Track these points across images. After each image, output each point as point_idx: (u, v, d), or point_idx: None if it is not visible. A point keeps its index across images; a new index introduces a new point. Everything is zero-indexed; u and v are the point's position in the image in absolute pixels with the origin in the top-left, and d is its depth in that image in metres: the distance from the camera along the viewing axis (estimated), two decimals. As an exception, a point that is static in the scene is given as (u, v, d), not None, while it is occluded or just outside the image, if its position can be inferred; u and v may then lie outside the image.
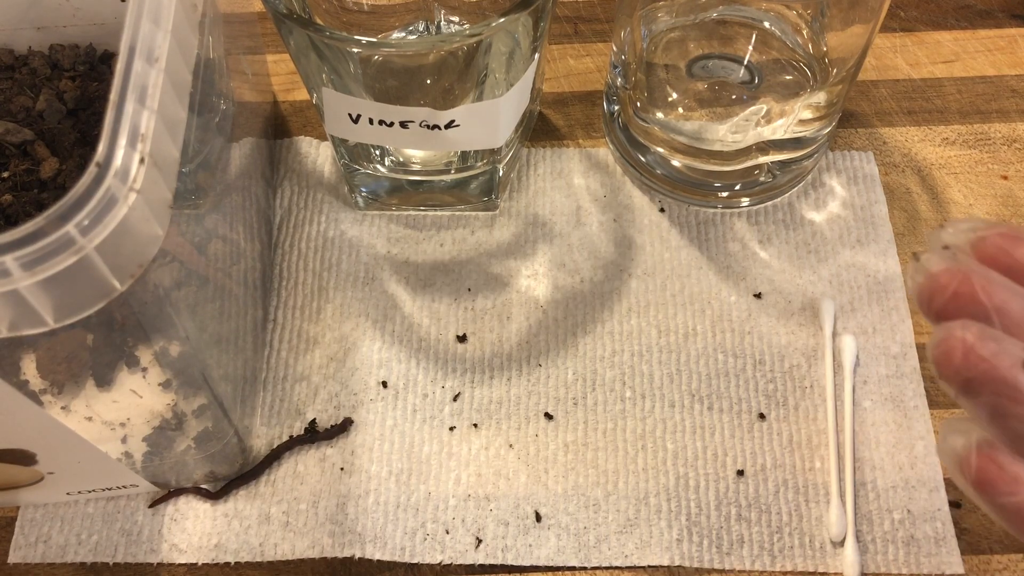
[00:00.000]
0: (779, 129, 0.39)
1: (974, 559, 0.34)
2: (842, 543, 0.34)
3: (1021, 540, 0.22)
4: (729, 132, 0.39)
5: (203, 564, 0.34)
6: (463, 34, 0.32)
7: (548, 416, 0.37)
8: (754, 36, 0.41)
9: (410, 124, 0.35)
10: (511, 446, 0.36)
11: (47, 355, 0.29)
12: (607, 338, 0.39)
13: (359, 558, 0.34)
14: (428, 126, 0.35)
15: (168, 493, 0.35)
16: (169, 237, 0.25)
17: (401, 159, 0.40)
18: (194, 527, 0.35)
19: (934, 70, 0.47)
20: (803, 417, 0.37)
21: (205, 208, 0.31)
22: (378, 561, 0.34)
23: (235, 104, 0.36)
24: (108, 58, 0.38)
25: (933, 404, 0.37)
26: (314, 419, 0.37)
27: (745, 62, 0.41)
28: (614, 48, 0.41)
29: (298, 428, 0.37)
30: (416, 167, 0.40)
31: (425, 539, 0.34)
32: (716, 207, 0.42)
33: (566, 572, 0.34)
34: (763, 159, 0.40)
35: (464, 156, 0.39)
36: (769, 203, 0.42)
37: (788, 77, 0.40)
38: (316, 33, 0.31)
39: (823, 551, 0.34)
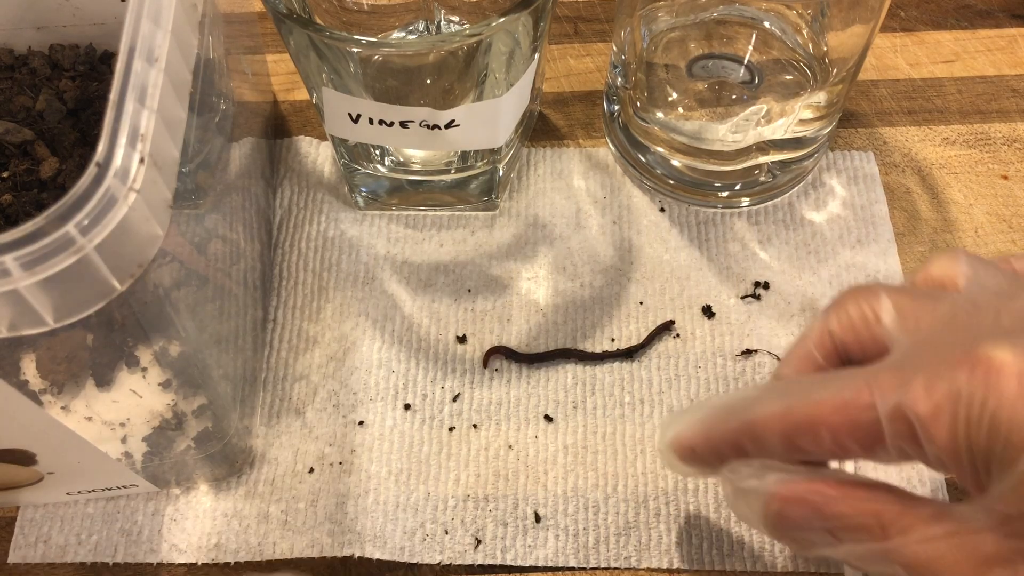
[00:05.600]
0: (779, 129, 0.39)
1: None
2: (842, 543, 0.34)
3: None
4: (729, 132, 0.39)
5: (203, 564, 0.34)
6: (463, 34, 0.32)
7: (548, 418, 0.37)
8: (754, 36, 0.41)
9: (410, 124, 0.35)
10: (510, 447, 0.36)
11: (47, 355, 0.29)
12: (606, 343, 0.38)
13: (358, 557, 0.34)
14: (428, 126, 0.35)
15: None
16: (169, 237, 0.25)
17: (401, 159, 0.40)
18: (193, 527, 0.35)
19: (934, 70, 0.47)
20: (803, 417, 0.37)
21: (205, 208, 0.31)
22: (377, 561, 0.34)
23: (235, 104, 0.36)
24: (108, 58, 0.38)
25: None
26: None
27: (745, 62, 0.41)
28: (614, 48, 0.41)
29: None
30: (416, 167, 0.40)
31: (424, 539, 0.34)
32: (716, 207, 0.42)
33: (565, 573, 0.34)
34: (763, 159, 0.40)
35: (464, 156, 0.39)
36: (769, 203, 0.42)
37: (788, 77, 0.40)
38: (316, 33, 0.31)
39: (823, 551, 0.34)
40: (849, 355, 0.27)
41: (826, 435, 0.24)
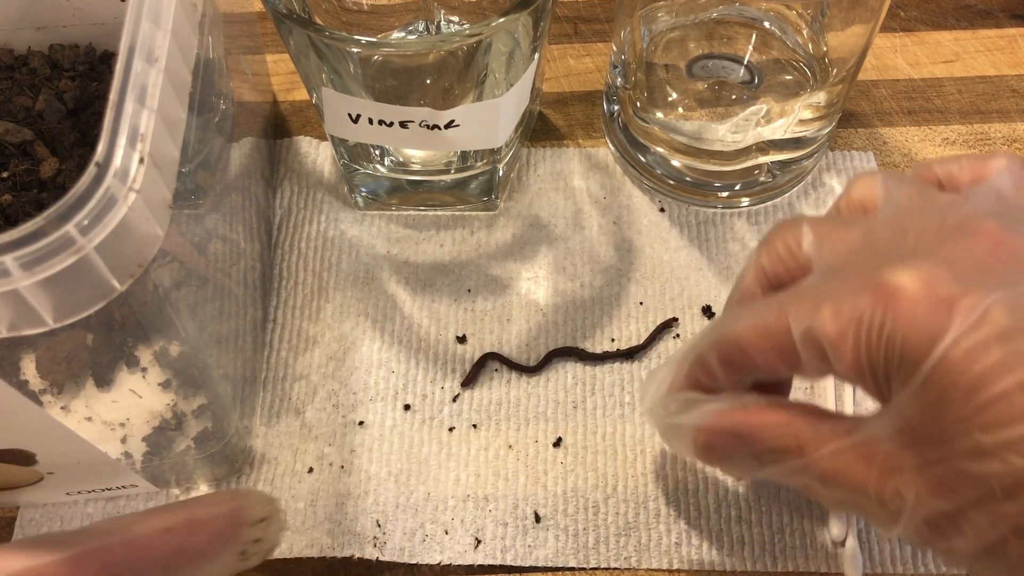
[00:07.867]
0: (779, 129, 0.39)
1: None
2: (843, 543, 0.34)
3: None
4: (729, 132, 0.39)
5: (203, 564, 0.34)
6: (463, 34, 0.32)
7: (547, 419, 0.37)
8: (754, 36, 0.41)
9: (410, 124, 0.35)
10: (510, 447, 0.36)
11: (47, 355, 0.29)
12: (606, 343, 0.38)
13: (358, 558, 0.34)
14: (428, 126, 0.35)
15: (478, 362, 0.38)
16: (169, 237, 0.25)
17: (401, 159, 0.40)
18: (194, 527, 0.34)
19: (934, 70, 0.47)
20: (803, 417, 0.37)
21: (205, 208, 0.31)
22: (377, 561, 0.34)
23: (235, 104, 0.36)
24: (108, 58, 0.38)
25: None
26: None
27: (745, 62, 0.41)
28: (614, 48, 0.41)
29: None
30: (416, 167, 0.40)
31: (424, 539, 0.34)
32: (716, 207, 0.42)
33: (565, 573, 0.34)
34: (763, 159, 0.40)
35: (464, 156, 0.39)
36: (769, 203, 0.42)
37: (788, 77, 0.40)
38: (316, 33, 0.31)
39: (824, 551, 0.34)
40: (783, 285, 0.29)
41: (755, 357, 0.26)
